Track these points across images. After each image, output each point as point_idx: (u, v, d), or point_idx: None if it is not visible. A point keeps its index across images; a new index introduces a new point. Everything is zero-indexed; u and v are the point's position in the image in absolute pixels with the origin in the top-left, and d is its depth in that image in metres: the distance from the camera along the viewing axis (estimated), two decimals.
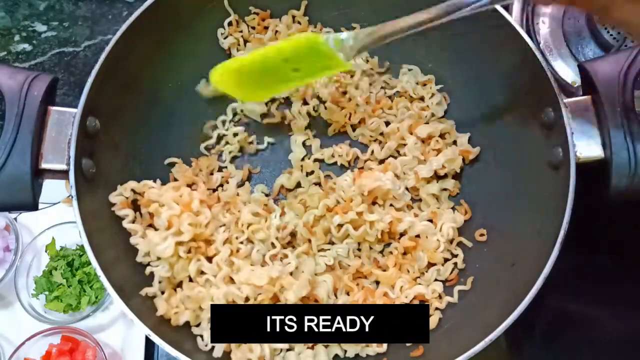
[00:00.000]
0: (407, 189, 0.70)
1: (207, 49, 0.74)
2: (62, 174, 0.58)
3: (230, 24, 0.74)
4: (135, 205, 0.65)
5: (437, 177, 0.71)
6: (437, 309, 0.65)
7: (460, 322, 0.63)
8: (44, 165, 0.57)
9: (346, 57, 0.58)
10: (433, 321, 0.64)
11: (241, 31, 0.75)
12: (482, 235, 0.68)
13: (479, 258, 0.67)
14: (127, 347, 0.76)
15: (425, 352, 0.60)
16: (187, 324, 0.62)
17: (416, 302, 0.65)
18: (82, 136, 0.58)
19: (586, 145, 0.57)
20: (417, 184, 0.69)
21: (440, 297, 0.66)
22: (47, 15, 0.94)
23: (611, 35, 0.80)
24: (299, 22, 0.76)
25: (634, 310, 0.74)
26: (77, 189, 0.57)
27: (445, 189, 0.71)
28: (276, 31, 0.75)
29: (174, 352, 0.54)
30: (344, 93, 0.75)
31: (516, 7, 0.86)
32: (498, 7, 0.64)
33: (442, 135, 0.72)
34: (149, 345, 0.75)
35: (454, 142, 0.73)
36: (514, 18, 0.76)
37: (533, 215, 0.62)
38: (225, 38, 0.75)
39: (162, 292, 0.62)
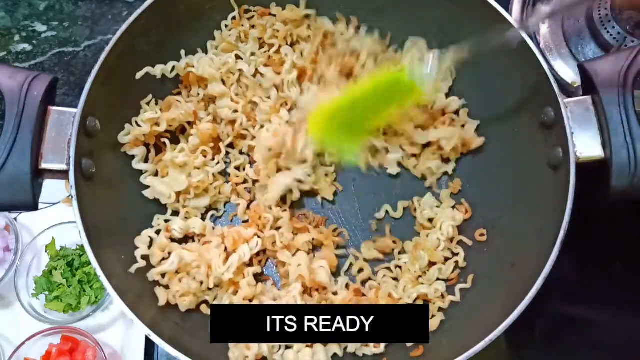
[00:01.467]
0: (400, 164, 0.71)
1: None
2: (62, 174, 0.58)
3: (234, 18, 0.74)
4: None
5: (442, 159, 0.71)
6: (440, 309, 0.65)
7: (460, 322, 0.63)
8: (44, 165, 0.57)
9: (428, 88, 0.60)
10: (434, 323, 0.63)
11: (243, 25, 0.75)
12: (482, 235, 0.68)
13: (479, 258, 0.67)
14: (127, 347, 0.76)
15: (425, 352, 0.60)
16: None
17: (420, 302, 0.65)
18: (82, 136, 0.58)
19: (586, 145, 0.57)
20: (411, 148, 0.70)
21: (442, 296, 0.66)
22: (47, 15, 0.94)
23: (611, 35, 0.80)
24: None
25: (634, 310, 0.74)
26: (77, 189, 0.57)
27: (445, 173, 0.72)
28: (275, 29, 0.75)
29: (174, 352, 0.54)
30: (349, 76, 0.73)
31: (516, 7, 0.86)
32: (497, 6, 0.64)
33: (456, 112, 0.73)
34: (149, 345, 0.75)
35: (462, 126, 0.72)
36: (513, 18, 0.76)
37: (533, 215, 0.62)
38: (229, 30, 0.74)
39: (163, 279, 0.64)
